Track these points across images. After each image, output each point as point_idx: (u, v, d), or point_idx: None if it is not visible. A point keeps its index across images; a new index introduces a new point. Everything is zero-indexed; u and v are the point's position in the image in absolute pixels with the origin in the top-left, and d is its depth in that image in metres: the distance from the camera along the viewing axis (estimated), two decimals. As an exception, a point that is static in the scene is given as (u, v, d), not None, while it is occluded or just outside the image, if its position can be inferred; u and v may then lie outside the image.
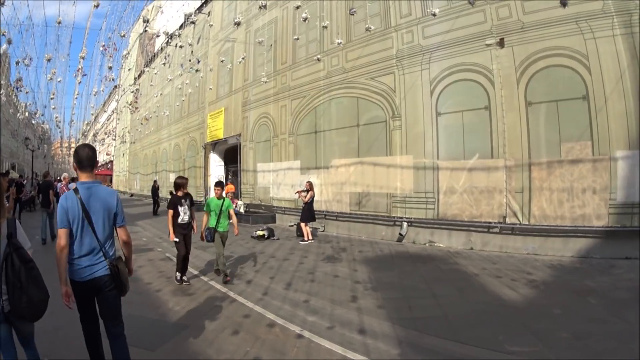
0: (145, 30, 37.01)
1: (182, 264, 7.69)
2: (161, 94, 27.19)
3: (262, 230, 13.41)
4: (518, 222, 10.38)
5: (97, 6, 11.64)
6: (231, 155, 24.71)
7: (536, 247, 10.10)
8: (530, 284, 7.37)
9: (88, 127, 61.46)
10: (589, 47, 9.70)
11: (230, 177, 26.10)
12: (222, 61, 19.15)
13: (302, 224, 12.88)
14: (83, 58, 14.20)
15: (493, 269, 8.60)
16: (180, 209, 7.61)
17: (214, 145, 25.12)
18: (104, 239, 3.58)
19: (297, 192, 13.44)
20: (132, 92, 32.72)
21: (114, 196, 3.70)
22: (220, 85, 23.78)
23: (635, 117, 9.23)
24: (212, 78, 24.04)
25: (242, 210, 19.21)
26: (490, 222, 10.85)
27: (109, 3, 24.79)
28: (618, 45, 9.47)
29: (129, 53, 25.85)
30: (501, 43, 10.83)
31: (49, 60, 14.81)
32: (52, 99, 17.26)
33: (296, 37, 14.90)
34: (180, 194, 7.71)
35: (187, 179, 8.24)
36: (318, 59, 14.65)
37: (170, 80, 25.71)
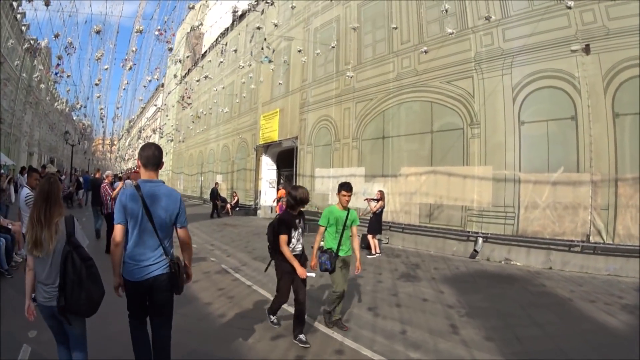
0: (193, 29, 37.95)
1: (279, 304, 6.15)
2: (218, 90, 27.43)
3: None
4: (602, 241, 10.20)
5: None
6: (285, 159, 25.13)
7: (617, 267, 9.96)
8: (624, 309, 7.36)
9: (132, 124, 63.13)
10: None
11: (282, 181, 26.27)
12: (284, 61, 19.03)
13: (370, 236, 12.98)
14: (134, 51, 14.49)
15: (582, 291, 8.53)
16: (294, 233, 5.76)
17: (267, 147, 25.65)
18: (165, 237, 3.72)
19: (367, 199, 13.44)
20: (178, 83, 33.17)
21: (177, 196, 3.86)
22: (275, 85, 23.89)
23: None
24: (266, 78, 24.27)
25: (298, 217, 19.22)
26: (572, 241, 10.72)
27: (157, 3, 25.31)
28: None
29: (175, 50, 26.42)
30: (587, 49, 10.67)
31: (98, 59, 15.13)
32: (97, 84, 17.46)
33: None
34: (296, 212, 5.84)
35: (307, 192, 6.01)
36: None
37: (228, 75, 26.07)
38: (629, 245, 9.75)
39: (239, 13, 28.70)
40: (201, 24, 17.14)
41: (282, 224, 5.67)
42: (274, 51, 20.51)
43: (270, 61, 18.96)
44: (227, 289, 8.38)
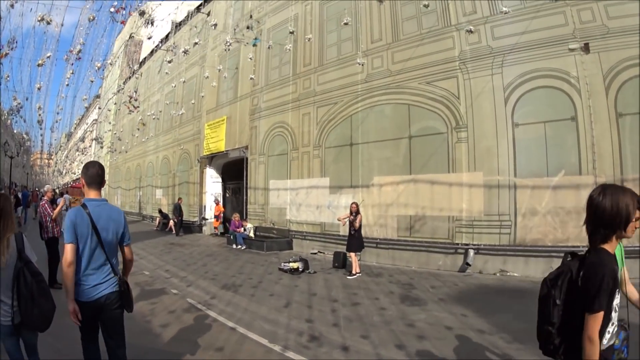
0: (132, 37, 35.50)
1: None
2: (163, 94, 25.00)
3: (294, 261, 11.59)
4: None
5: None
6: (231, 171, 23.03)
7: None
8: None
9: (69, 136, 59.05)
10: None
11: (228, 195, 24.11)
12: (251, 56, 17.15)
13: (352, 255, 11.18)
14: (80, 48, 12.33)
15: None
16: None
17: (211, 158, 23.24)
18: (112, 256, 3.66)
19: (343, 217, 11.56)
20: (115, 93, 30.49)
21: (121, 214, 3.86)
22: (222, 91, 21.84)
23: None
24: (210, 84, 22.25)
25: (252, 234, 17.28)
26: (578, 247, 9.50)
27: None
28: None
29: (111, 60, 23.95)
30: (586, 48, 10.12)
31: (40, 65, 12.96)
32: (39, 88, 15.10)
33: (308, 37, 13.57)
34: None
35: None
36: (359, 64, 12.91)
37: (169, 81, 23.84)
38: (636, 246, 8.99)
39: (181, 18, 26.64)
40: (151, 22, 14.83)
41: None
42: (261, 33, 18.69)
43: (254, 45, 17.06)
44: (208, 337, 6.17)
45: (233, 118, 20.84)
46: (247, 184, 19.44)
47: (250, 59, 16.44)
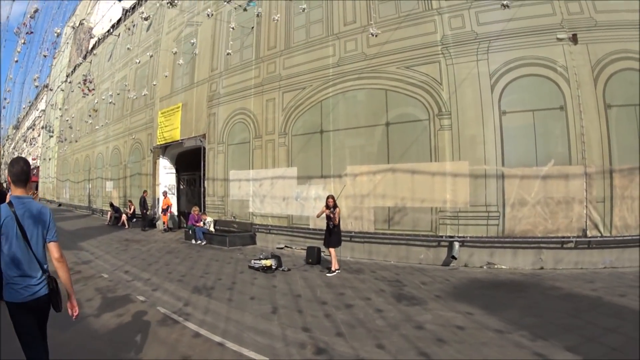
0: (82, 24, 33.29)
1: None
2: (132, 68, 23.18)
3: (266, 258, 10.49)
4: (599, 235, 9.51)
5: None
6: (185, 161, 21.44)
7: (613, 259, 9.42)
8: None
9: (17, 127, 55.29)
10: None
11: (182, 187, 22.61)
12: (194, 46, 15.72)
13: (332, 250, 10.15)
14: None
15: (602, 288, 7.71)
16: None
17: (165, 148, 21.49)
18: (40, 255, 3.47)
19: (320, 213, 10.46)
20: (63, 81, 28.31)
21: (46, 211, 3.61)
22: (177, 77, 20.30)
23: None
24: (165, 68, 20.71)
25: (212, 228, 15.98)
26: (569, 237, 9.65)
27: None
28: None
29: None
30: (574, 39, 9.94)
31: None
32: None
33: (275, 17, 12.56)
34: None
35: None
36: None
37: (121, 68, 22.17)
38: (627, 236, 9.32)
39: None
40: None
41: None
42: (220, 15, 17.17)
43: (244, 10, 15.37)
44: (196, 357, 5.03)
45: (189, 105, 19.25)
46: (204, 174, 18.02)
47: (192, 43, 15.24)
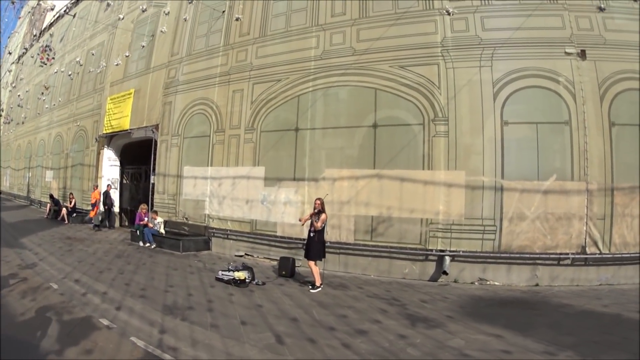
0: (39, 4, 30.72)
1: None
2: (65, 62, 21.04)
3: (237, 270, 8.89)
4: (598, 252, 9.22)
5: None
6: (131, 153, 19.36)
7: (609, 276, 9.23)
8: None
9: None
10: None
11: (125, 181, 20.44)
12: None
13: (312, 263, 8.66)
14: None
15: (613, 305, 7.42)
16: None
17: (110, 138, 19.24)
18: None
19: (306, 218, 9.03)
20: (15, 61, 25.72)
21: None
22: (131, 60, 18.31)
23: None
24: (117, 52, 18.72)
25: (162, 230, 14.08)
26: (567, 254, 9.24)
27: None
28: None
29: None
30: (583, 54, 9.63)
31: None
32: None
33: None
34: None
35: None
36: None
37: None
38: (625, 253, 9.18)
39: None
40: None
41: None
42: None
43: None
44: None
45: (143, 92, 17.17)
46: (154, 169, 16.10)
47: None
